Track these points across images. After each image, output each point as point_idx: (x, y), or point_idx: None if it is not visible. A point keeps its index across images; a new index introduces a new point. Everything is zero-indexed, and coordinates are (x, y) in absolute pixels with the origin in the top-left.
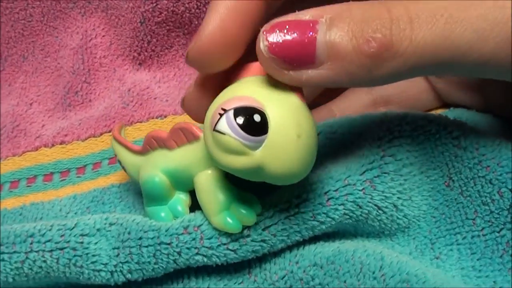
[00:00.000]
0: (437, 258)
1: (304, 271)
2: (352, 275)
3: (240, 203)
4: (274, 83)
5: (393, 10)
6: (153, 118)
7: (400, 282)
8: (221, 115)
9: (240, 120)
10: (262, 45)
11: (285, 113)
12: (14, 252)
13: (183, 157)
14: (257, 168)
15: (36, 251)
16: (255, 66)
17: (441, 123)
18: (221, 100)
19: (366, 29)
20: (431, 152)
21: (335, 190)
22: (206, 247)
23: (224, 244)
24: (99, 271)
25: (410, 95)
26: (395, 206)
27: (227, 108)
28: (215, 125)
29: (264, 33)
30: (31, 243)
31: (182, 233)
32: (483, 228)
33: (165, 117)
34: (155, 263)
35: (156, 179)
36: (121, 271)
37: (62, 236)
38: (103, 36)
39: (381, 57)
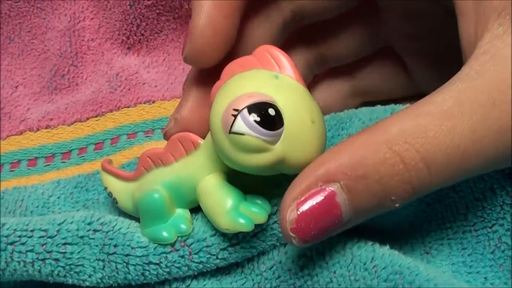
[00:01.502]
0: (427, 253)
1: (292, 262)
2: (342, 266)
3: (249, 202)
4: (274, 74)
5: (406, 158)
6: (141, 103)
7: (392, 273)
8: (234, 116)
9: (257, 117)
10: (295, 243)
11: (295, 101)
12: None
13: (182, 168)
14: (279, 162)
15: (17, 261)
16: (245, 61)
17: None
18: (227, 99)
19: (388, 189)
20: None
21: None
22: (196, 262)
23: (214, 255)
24: (84, 280)
25: (389, 86)
26: None
27: (239, 108)
28: (231, 127)
29: (293, 234)
30: (11, 252)
31: (170, 251)
32: (474, 223)
33: (153, 102)
34: (144, 280)
35: (156, 195)
36: (107, 282)
37: (43, 245)
38: (92, 18)
39: (403, 203)
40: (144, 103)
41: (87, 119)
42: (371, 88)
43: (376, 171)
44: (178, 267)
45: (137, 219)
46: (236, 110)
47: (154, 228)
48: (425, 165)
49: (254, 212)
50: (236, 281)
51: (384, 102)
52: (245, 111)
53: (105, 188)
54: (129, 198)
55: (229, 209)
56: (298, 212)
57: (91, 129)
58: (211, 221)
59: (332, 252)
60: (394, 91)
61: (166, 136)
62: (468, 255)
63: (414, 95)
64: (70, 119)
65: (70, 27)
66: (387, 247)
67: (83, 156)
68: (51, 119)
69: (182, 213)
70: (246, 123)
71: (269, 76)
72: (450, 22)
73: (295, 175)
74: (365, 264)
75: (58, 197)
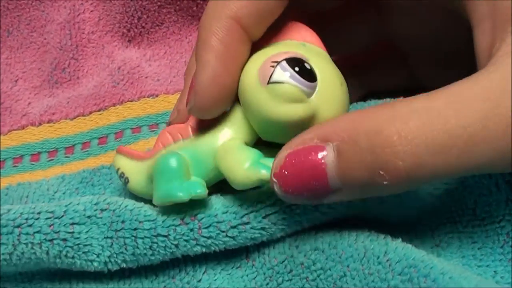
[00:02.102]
0: (437, 246)
1: (305, 256)
2: (356, 260)
3: (268, 159)
4: (302, 43)
5: (403, 131)
6: (144, 97)
7: (406, 267)
8: (273, 67)
9: (296, 67)
10: (276, 189)
11: (326, 64)
12: (2, 243)
13: (202, 137)
14: (311, 115)
15: (24, 243)
16: (278, 34)
17: None
18: (261, 59)
19: (378, 161)
20: None
21: None
22: (205, 237)
23: (223, 231)
24: (92, 261)
25: (391, 78)
26: (401, 199)
27: (278, 60)
28: (270, 77)
29: (275, 179)
30: (18, 235)
31: (179, 224)
32: (483, 218)
33: (157, 96)
34: (151, 255)
35: (174, 156)
36: (115, 261)
37: (51, 226)
38: (91, 11)
39: (396, 184)
40: (148, 97)
41: (90, 113)
42: (374, 80)
43: (370, 139)
44: (186, 240)
45: (146, 202)
46: (275, 62)
47: (169, 188)
48: (423, 143)
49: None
50: (247, 275)
51: (387, 94)
52: (284, 62)
53: (117, 170)
54: (142, 176)
55: (251, 162)
56: (286, 160)
57: (94, 123)
58: (229, 179)
59: (344, 245)
60: (396, 83)
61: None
62: (478, 249)
63: (416, 87)
64: (73, 113)
65: (70, 19)
66: (400, 240)
67: (87, 151)
68: (53, 114)
69: (198, 179)
70: (286, 73)
71: (298, 44)
72: (454, 24)
73: None
74: (378, 257)
75: (64, 193)
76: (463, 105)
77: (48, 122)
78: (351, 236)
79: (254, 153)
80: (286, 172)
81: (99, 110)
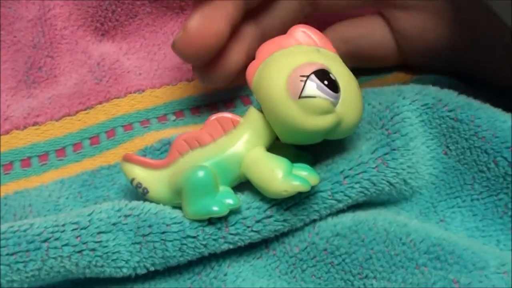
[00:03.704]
0: (442, 221)
1: (327, 242)
2: (379, 242)
3: (298, 167)
4: (315, 48)
5: None
6: (130, 93)
7: (431, 246)
8: (303, 81)
9: (325, 80)
10: None
11: (342, 69)
12: (30, 260)
13: (225, 146)
14: (337, 124)
15: (53, 258)
16: (282, 40)
17: (436, 96)
18: (284, 70)
19: None
20: (429, 123)
21: (350, 169)
22: (232, 234)
23: (249, 227)
24: (121, 267)
25: (372, 40)
26: (405, 181)
27: (306, 74)
28: (301, 91)
29: None
30: (46, 250)
31: (207, 224)
32: (481, 192)
33: (143, 91)
34: (180, 256)
35: (204, 171)
36: (144, 265)
37: (78, 237)
38: (62, 6)
39: None
40: (134, 92)
41: (76, 112)
42: (352, 38)
43: None
44: (215, 239)
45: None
46: (304, 76)
47: (203, 204)
48: None
49: (306, 175)
50: (269, 264)
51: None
52: (313, 76)
53: (131, 180)
54: (163, 186)
55: (284, 173)
56: None
57: (82, 123)
58: (262, 189)
59: (365, 229)
60: (378, 47)
61: (174, 46)
62: (480, 221)
63: (402, 64)
64: (58, 114)
65: (41, 16)
66: (416, 220)
67: (80, 152)
68: (37, 116)
69: (227, 189)
70: (317, 87)
71: (312, 49)
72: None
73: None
74: (401, 239)
75: (67, 198)
76: None
77: (33, 125)
78: (369, 220)
79: (284, 162)
80: None
81: (85, 109)
